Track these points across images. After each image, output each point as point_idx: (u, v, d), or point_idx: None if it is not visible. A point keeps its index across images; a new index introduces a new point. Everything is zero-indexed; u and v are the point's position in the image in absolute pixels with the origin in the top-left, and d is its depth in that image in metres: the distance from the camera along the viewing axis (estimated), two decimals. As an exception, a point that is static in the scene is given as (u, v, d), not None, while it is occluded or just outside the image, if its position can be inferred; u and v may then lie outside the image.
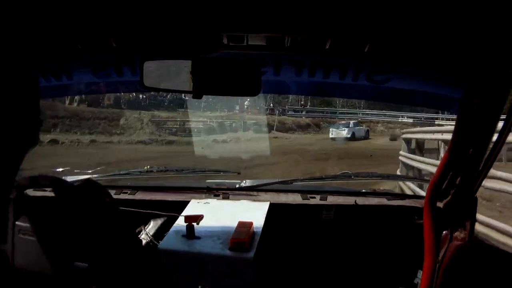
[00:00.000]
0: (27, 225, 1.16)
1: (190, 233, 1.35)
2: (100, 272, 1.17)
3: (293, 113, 20.46)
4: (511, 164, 5.96)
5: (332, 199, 1.62)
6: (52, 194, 1.59)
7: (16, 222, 1.16)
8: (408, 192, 3.92)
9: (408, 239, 1.49)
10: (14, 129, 0.79)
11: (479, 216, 2.69)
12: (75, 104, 15.18)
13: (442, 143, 5.67)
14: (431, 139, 6.31)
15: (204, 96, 1.02)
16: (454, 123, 1.13)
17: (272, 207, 1.55)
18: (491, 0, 0.76)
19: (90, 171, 1.97)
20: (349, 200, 1.60)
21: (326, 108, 21.38)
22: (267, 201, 1.59)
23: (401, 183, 4.52)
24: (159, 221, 1.51)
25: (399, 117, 20.14)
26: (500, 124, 1.15)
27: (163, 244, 1.32)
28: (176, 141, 13.71)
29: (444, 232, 1.35)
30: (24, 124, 0.81)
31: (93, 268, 1.14)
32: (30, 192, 1.61)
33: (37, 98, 0.85)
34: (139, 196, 1.63)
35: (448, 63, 1.13)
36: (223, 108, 17.50)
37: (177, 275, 1.28)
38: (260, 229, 1.38)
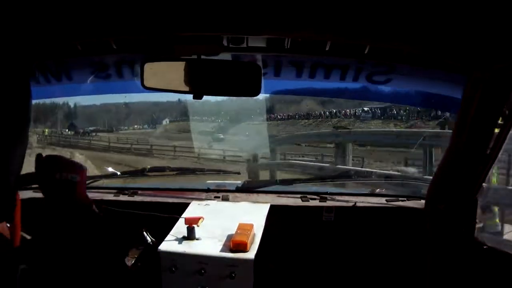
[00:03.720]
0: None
1: (190, 234, 1.34)
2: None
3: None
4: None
5: (332, 201, 1.62)
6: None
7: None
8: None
9: (408, 240, 1.49)
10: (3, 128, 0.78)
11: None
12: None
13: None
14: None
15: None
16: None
17: (272, 209, 1.54)
18: (491, 0, 0.76)
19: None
20: (349, 202, 1.60)
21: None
22: (267, 202, 1.59)
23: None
24: (159, 223, 1.51)
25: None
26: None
27: (164, 245, 1.32)
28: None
29: (444, 233, 1.35)
30: (13, 123, 0.80)
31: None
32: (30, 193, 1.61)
33: (28, 97, 0.84)
34: (139, 197, 1.63)
35: (448, 63, 1.13)
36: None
37: (177, 276, 1.28)
38: (261, 231, 1.38)
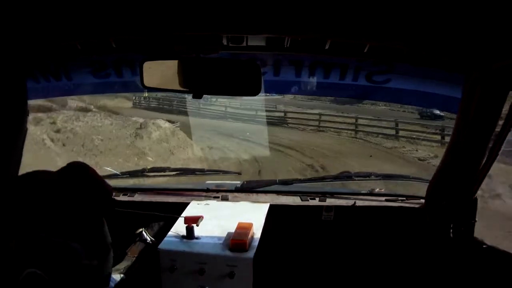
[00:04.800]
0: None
1: (190, 234, 1.34)
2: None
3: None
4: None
5: (331, 200, 1.62)
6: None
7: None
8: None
9: (408, 239, 1.49)
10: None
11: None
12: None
13: None
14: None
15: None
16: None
17: (272, 208, 1.54)
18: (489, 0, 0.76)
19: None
20: (349, 201, 1.60)
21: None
22: (267, 202, 1.59)
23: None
24: (159, 223, 1.51)
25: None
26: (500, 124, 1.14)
27: (163, 245, 1.32)
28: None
29: (443, 232, 1.35)
30: (11, 119, 0.79)
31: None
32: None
33: (24, 95, 0.84)
34: (139, 197, 1.63)
35: (447, 63, 1.14)
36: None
37: (177, 276, 1.28)
38: (260, 230, 1.38)
